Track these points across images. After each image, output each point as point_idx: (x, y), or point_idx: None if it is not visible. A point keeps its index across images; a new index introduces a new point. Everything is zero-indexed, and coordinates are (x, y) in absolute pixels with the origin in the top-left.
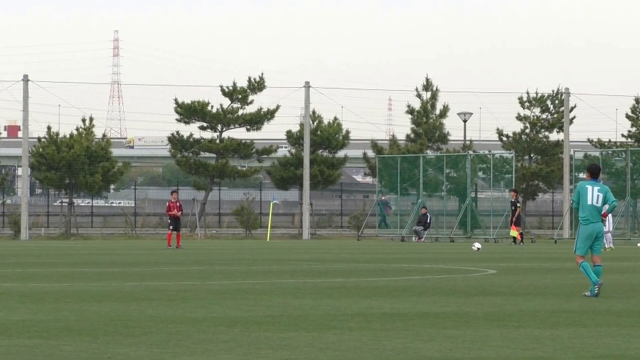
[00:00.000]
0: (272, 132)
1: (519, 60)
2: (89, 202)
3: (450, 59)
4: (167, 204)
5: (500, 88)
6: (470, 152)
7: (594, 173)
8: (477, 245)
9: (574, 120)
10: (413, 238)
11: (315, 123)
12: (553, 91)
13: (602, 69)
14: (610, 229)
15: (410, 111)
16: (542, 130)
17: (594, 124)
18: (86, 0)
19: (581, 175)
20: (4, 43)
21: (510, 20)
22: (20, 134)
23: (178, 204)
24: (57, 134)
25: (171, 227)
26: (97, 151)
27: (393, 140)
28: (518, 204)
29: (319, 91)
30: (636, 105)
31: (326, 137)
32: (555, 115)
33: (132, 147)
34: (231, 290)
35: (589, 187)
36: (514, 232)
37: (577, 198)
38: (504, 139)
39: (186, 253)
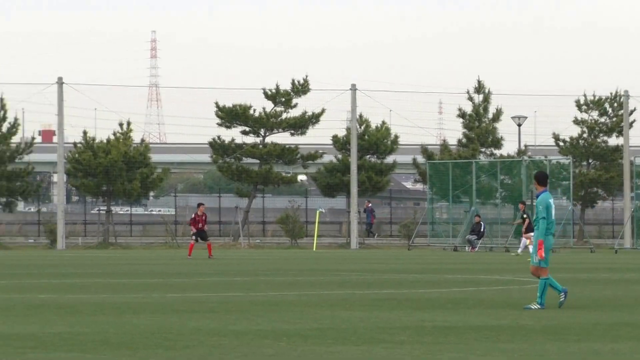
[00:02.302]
0: (318, 136)
1: (576, 61)
2: (127, 210)
3: (503, 60)
4: (193, 215)
5: (556, 90)
6: (525, 157)
7: (545, 181)
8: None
9: (633, 124)
10: (466, 247)
11: (362, 127)
12: (611, 94)
13: None
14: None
15: (462, 115)
16: (601, 134)
17: None
18: (123, 0)
19: None
20: (37, 45)
21: (566, 20)
22: (55, 138)
23: (204, 217)
24: (94, 139)
25: (194, 237)
26: (136, 157)
27: (444, 146)
28: (524, 215)
29: (365, 94)
30: None
31: (374, 142)
32: (614, 119)
33: None
34: (276, 302)
35: (551, 200)
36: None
37: (547, 211)
38: (561, 144)
39: (229, 263)
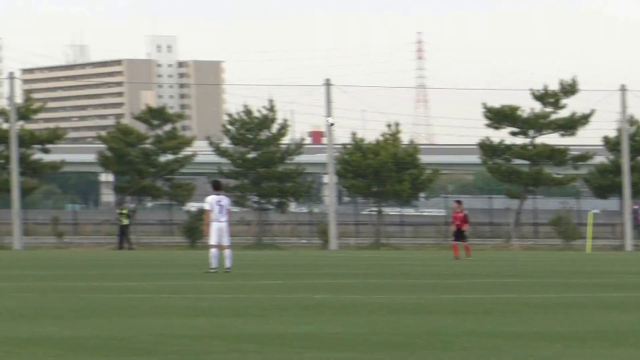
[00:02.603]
0: (588, 137)
1: None
2: (398, 211)
3: None
4: (452, 214)
5: None
6: None
7: None
8: None
9: None
10: None
11: (634, 128)
12: None
13: None
14: None
15: None
16: None
17: None
18: (389, 2)
19: None
20: (306, 47)
21: None
22: (324, 139)
23: (461, 214)
24: (362, 140)
25: (453, 238)
26: (405, 158)
27: None
28: None
29: (635, 94)
30: None
31: None
32: None
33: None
34: (551, 303)
35: None
36: None
37: None
38: None
39: (502, 265)
